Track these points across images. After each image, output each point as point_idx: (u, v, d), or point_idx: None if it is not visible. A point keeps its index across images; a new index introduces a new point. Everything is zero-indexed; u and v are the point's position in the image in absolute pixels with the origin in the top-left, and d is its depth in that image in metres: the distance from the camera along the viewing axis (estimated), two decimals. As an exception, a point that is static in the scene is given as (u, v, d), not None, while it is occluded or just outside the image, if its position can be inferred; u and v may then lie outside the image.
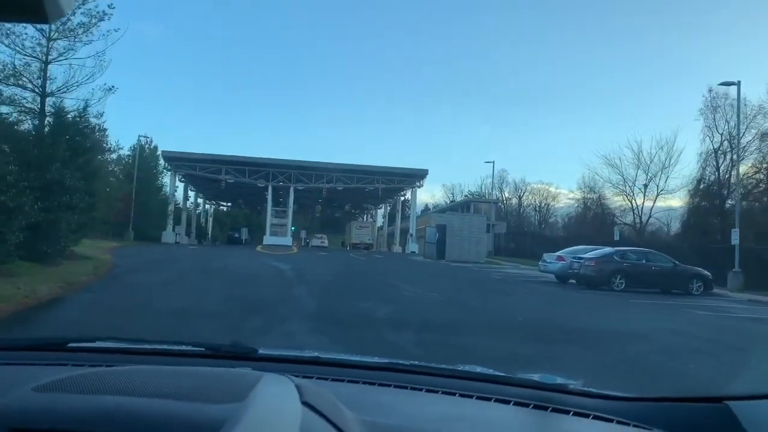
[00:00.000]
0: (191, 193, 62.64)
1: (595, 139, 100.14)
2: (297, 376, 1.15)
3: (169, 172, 50.59)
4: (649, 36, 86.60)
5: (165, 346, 1.62)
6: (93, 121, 19.53)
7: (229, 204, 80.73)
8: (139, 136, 44.27)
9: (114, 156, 38.24)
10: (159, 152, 48.83)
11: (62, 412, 0.84)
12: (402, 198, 60.67)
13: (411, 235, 53.08)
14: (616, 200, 44.18)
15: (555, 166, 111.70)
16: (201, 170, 51.02)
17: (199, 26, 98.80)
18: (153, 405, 0.86)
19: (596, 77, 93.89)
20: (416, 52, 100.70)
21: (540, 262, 21.24)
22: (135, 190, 43.18)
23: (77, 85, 17.85)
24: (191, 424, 0.81)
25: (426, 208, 72.14)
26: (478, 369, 1.62)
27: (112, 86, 18.69)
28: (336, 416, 0.92)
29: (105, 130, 36.89)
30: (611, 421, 1.27)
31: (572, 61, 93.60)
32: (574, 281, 20.01)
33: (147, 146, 46.23)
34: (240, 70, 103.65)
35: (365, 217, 76.91)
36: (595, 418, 1.28)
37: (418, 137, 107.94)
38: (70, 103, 18.07)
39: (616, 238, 32.77)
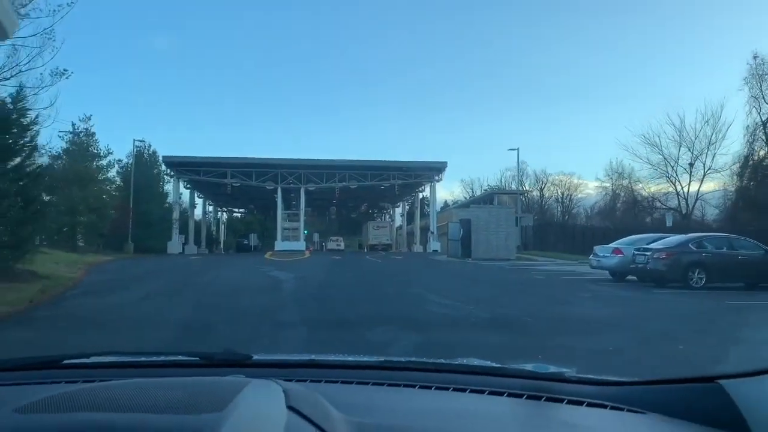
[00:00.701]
0: (199, 200, 60.08)
1: (620, 123, 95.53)
2: (290, 380, 1.21)
3: (172, 179, 47.69)
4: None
5: (161, 358, 1.62)
6: (46, 113, 16.21)
7: (242, 210, 77.78)
8: (135, 140, 41.02)
9: (104, 162, 35.04)
10: (159, 158, 45.76)
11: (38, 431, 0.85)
12: (420, 194, 57.01)
13: (432, 232, 49.46)
14: (651, 185, 39.56)
15: (576, 156, 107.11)
16: (205, 175, 48.03)
17: (194, 25, 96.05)
18: (130, 420, 0.86)
19: (619, 57, 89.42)
20: (427, 46, 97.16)
21: (591, 257, 17.52)
22: (133, 198, 40.28)
23: (21, 70, 14.66)
24: None
25: (446, 205, 68.43)
26: (475, 361, 1.63)
27: (65, 70, 15.53)
28: (322, 419, 0.92)
29: (93, 134, 34.07)
30: (605, 407, 1.26)
31: (593, 40, 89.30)
32: (634, 278, 16.39)
33: (145, 151, 43.11)
34: (239, 69, 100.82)
35: (383, 216, 73.31)
36: (589, 405, 1.27)
37: (432, 134, 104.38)
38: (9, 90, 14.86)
39: (669, 224, 28.82)
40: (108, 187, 35.13)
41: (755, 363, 1.19)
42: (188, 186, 52.74)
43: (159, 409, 0.89)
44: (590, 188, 69.14)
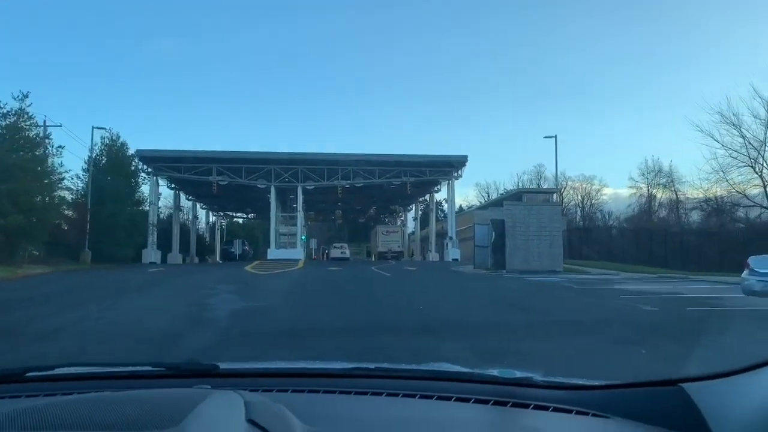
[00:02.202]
0: (188, 203, 53.44)
1: (643, 127, 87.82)
2: (256, 390, 1.24)
3: (149, 177, 41.08)
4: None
5: (127, 368, 1.59)
6: None
7: (239, 214, 70.83)
8: (94, 127, 34.24)
9: (44, 150, 28.22)
10: (130, 152, 39.10)
11: None
12: (436, 193, 49.84)
13: (450, 238, 42.35)
14: (718, 179, 31.62)
15: (596, 161, 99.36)
16: (187, 172, 41.37)
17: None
18: None
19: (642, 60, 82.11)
20: (436, 48, 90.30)
21: (746, 275, 10.34)
22: (95, 198, 33.69)
23: None
24: None
25: (461, 211, 61.15)
26: (445, 367, 1.64)
27: None
28: (283, 431, 0.91)
29: (30, 116, 27.38)
30: (571, 411, 1.26)
31: (616, 43, 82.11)
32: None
33: (111, 143, 36.42)
34: (227, 62, 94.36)
35: (394, 221, 66.15)
36: (555, 410, 1.27)
37: (442, 136, 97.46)
38: None
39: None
40: (53, 183, 28.26)
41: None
42: (173, 186, 46.17)
43: (116, 425, 0.87)
44: (605, 193, 64.42)
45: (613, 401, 1.28)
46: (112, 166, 35.39)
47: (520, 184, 70.40)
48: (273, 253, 41.22)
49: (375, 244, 54.15)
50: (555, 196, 41.25)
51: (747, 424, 1.08)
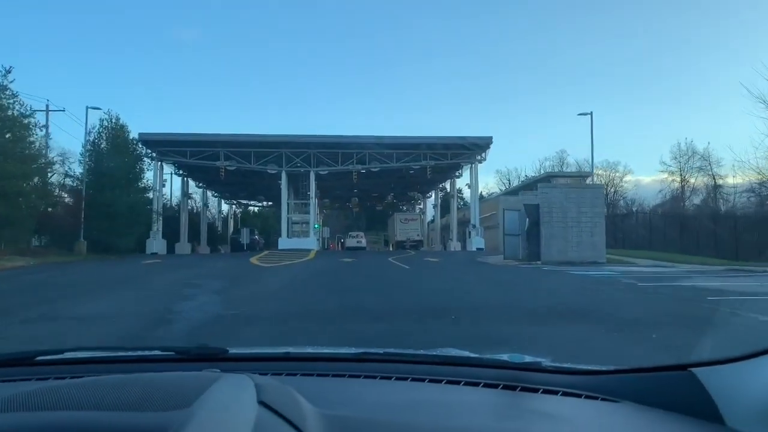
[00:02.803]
0: (198, 190, 51.11)
1: (667, 116, 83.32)
2: (265, 374, 1.22)
3: (153, 163, 38.65)
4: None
5: (136, 353, 1.59)
6: None
7: (253, 202, 68.19)
8: (89, 107, 31.70)
9: (26, 121, 25.52)
10: (131, 135, 36.63)
11: None
12: (457, 178, 46.74)
13: (474, 226, 39.39)
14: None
15: (622, 146, 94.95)
16: (193, 156, 38.93)
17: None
18: (95, 418, 0.83)
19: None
20: (452, 34, 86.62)
21: None
22: (93, 184, 31.37)
23: None
24: None
25: (482, 198, 57.67)
26: (453, 352, 1.60)
27: None
28: (294, 413, 0.91)
29: (14, 93, 24.74)
30: (580, 396, 1.26)
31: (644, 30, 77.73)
32: None
33: (109, 125, 33.98)
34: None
35: (414, 208, 63.20)
36: (564, 394, 1.27)
37: (460, 122, 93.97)
38: None
39: None
40: (40, 168, 25.84)
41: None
42: (180, 172, 43.80)
43: (127, 406, 0.86)
44: (627, 180, 62.72)
45: (622, 386, 1.27)
46: (111, 150, 32.94)
47: (542, 171, 67.19)
48: (284, 242, 38.73)
49: (393, 233, 51.40)
50: (590, 180, 38.00)
51: (759, 408, 1.07)
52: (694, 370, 1.20)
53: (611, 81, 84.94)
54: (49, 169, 26.55)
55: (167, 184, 43.36)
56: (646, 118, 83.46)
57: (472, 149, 39.72)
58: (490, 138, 38.97)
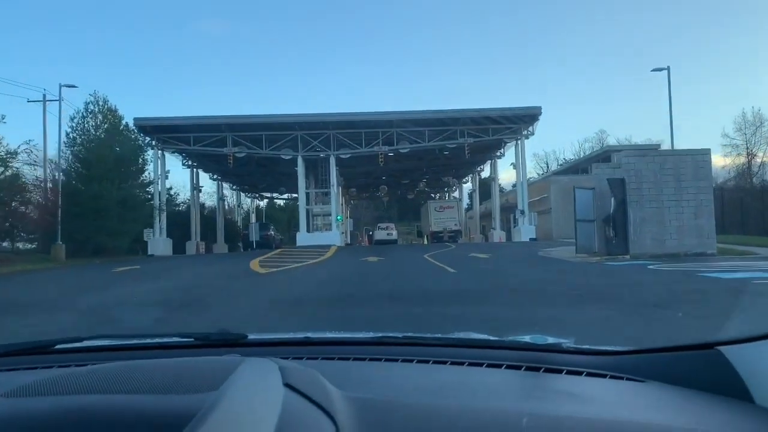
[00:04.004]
0: (212, 183, 46.63)
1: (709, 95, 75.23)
2: (286, 358, 1.20)
3: (152, 151, 34.11)
4: None
5: (155, 340, 1.59)
6: None
7: (275, 195, 63.17)
8: (62, 85, 26.92)
9: None
10: (123, 118, 32.08)
11: (21, 416, 0.81)
12: (499, 159, 40.96)
13: (522, 212, 33.72)
14: None
15: (664, 123, 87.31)
16: (198, 143, 34.25)
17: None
18: (118, 402, 0.83)
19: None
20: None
21: None
22: (71, 179, 26.91)
23: None
24: (159, 417, 0.78)
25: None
26: (473, 335, 1.60)
27: None
28: (320, 395, 0.91)
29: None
30: (605, 376, 1.25)
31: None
32: None
33: (95, 108, 29.40)
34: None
35: (446, 195, 57.62)
36: (588, 374, 1.26)
37: (490, 98, 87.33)
38: None
39: None
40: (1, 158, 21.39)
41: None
42: (188, 163, 39.22)
43: (153, 389, 0.86)
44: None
45: (647, 366, 1.27)
46: (99, 137, 28.42)
47: (582, 153, 60.91)
48: (303, 237, 33.79)
49: (427, 223, 46.02)
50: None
51: None
52: (721, 348, 1.18)
53: (663, 53, 77.35)
54: (11, 160, 21.99)
55: (180, 177, 39.22)
56: (694, 95, 75.86)
57: (518, 122, 34.00)
58: (539, 108, 33.20)
